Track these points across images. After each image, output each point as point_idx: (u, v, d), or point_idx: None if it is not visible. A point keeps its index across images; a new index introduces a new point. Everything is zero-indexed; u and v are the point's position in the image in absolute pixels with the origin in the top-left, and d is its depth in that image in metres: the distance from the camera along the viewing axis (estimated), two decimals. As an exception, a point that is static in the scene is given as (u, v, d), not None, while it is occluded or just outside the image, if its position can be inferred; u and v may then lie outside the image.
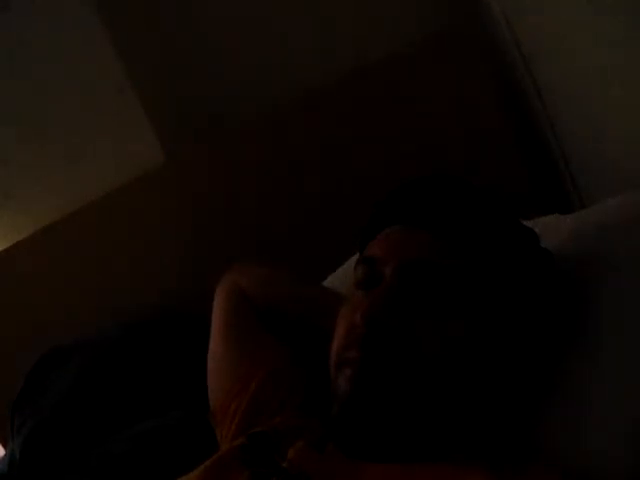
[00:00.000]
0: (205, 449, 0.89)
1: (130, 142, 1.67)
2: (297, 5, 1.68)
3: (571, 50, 1.19)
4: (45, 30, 1.60)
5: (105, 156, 1.67)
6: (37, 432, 1.32)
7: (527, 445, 0.79)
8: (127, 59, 1.63)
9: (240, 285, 1.09)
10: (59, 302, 1.61)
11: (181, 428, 1.23)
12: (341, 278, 1.16)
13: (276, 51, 1.68)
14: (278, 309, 1.05)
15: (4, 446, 1.53)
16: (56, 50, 1.61)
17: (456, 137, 1.58)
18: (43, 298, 1.62)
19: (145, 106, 1.65)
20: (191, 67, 1.70)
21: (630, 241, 0.86)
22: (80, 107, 1.64)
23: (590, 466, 0.75)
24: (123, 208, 1.64)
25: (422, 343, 0.75)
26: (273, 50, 1.68)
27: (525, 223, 0.89)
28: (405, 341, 0.75)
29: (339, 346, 0.79)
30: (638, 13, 0.90)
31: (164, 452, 1.20)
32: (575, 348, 0.82)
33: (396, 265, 0.78)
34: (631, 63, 0.97)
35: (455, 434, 0.77)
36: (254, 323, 1.04)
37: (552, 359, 0.82)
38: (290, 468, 0.77)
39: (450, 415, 0.77)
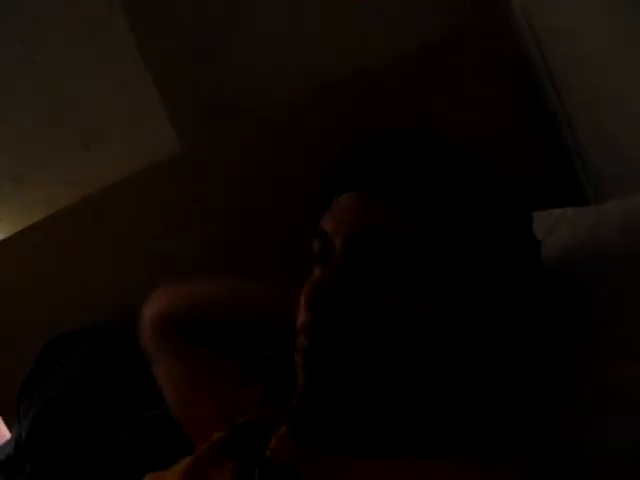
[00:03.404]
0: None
1: (145, 131, 1.67)
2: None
3: (589, 45, 1.18)
4: (62, 15, 1.60)
5: (120, 144, 1.67)
6: (44, 415, 1.32)
7: (526, 441, 0.74)
8: (145, 47, 1.63)
9: (162, 311, 1.02)
10: (68, 287, 1.61)
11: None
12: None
13: (295, 42, 1.67)
14: (212, 319, 0.98)
15: (10, 429, 1.53)
16: (73, 37, 1.61)
17: (473, 132, 1.56)
18: (52, 283, 1.62)
19: (162, 95, 1.65)
20: (209, 57, 1.69)
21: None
22: (97, 94, 1.64)
23: (591, 465, 0.72)
24: (135, 197, 1.63)
25: (379, 321, 0.68)
26: (292, 41, 1.67)
27: (539, 214, 0.86)
28: (358, 321, 0.68)
29: (296, 332, 0.72)
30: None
31: (172, 438, 1.19)
32: (579, 339, 0.78)
33: (345, 237, 0.71)
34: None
35: (433, 427, 0.71)
36: (188, 348, 0.97)
37: (543, 351, 0.77)
38: (272, 458, 0.73)
39: (420, 405, 0.71)
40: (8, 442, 1.40)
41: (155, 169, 1.63)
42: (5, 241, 1.63)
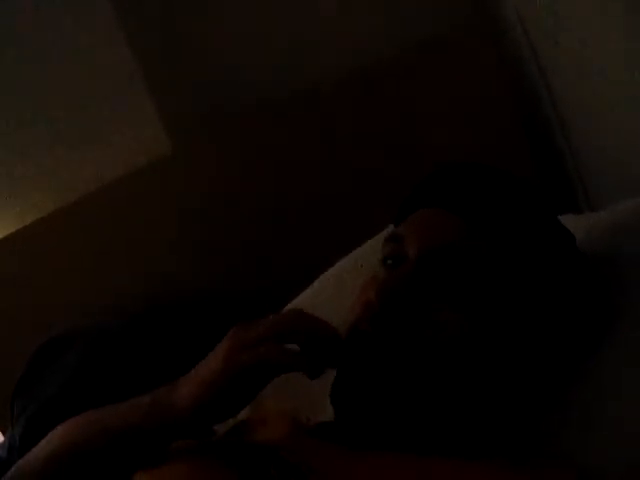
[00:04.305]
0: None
1: (137, 132, 1.65)
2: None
3: (587, 51, 1.18)
4: (54, 13, 1.59)
5: (110, 144, 1.66)
6: (38, 417, 1.31)
7: (537, 443, 0.78)
8: (136, 48, 1.62)
9: None
10: (61, 289, 1.60)
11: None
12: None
13: (291, 45, 1.66)
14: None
15: (3, 432, 1.52)
16: (66, 35, 1.60)
17: (464, 137, 1.57)
18: (44, 285, 1.61)
19: (154, 96, 1.64)
20: (202, 57, 1.68)
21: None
22: (88, 93, 1.63)
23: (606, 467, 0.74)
24: (126, 198, 1.62)
25: (438, 328, 0.74)
26: (287, 44, 1.66)
27: None
28: (420, 325, 0.74)
29: (352, 319, 0.78)
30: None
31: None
32: (593, 349, 0.81)
33: (421, 246, 0.77)
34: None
35: (459, 428, 0.76)
36: None
37: (569, 359, 0.81)
38: (287, 455, 0.74)
39: (456, 407, 0.75)
40: (1, 446, 1.39)
41: (146, 171, 1.62)
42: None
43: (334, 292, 1.13)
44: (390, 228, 0.88)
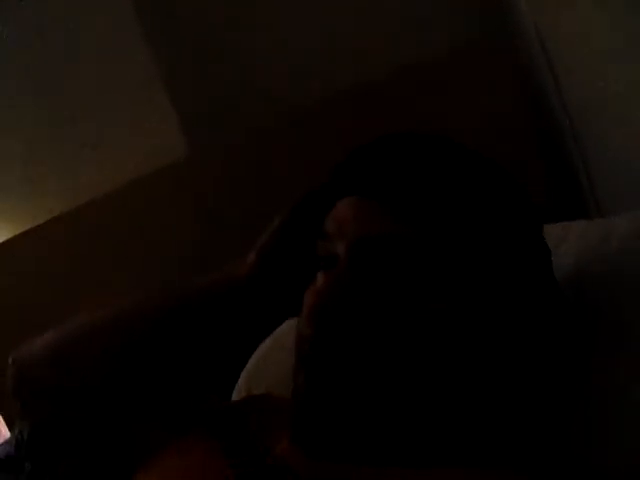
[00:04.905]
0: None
1: (153, 134, 1.68)
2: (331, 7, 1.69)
3: (598, 60, 1.18)
4: (74, 14, 1.61)
5: (126, 146, 1.68)
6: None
7: (537, 448, 0.74)
8: (155, 51, 1.65)
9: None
10: (72, 289, 1.62)
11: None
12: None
13: (307, 52, 1.68)
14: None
15: (10, 429, 1.53)
16: (84, 35, 1.63)
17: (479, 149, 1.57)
18: (56, 285, 1.63)
19: (172, 98, 1.67)
20: (220, 62, 1.70)
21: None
22: (104, 96, 1.65)
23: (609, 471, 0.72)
24: (141, 200, 1.64)
25: (381, 330, 0.67)
26: (304, 51, 1.69)
27: (550, 226, 0.86)
28: (361, 331, 0.67)
29: (297, 337, 0.72)
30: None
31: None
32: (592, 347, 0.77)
33: (347, 245, 0.69)
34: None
35: (437, 438, 0.69)
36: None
37: (556, 361, 0.75)
38: (276, 464, 0.71)
39: (422, 414, 0.69)
40: (8, 441, 1.39)
41: (160, 173, 1.64)
42: (10, 241, 1.64)
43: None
44: None
